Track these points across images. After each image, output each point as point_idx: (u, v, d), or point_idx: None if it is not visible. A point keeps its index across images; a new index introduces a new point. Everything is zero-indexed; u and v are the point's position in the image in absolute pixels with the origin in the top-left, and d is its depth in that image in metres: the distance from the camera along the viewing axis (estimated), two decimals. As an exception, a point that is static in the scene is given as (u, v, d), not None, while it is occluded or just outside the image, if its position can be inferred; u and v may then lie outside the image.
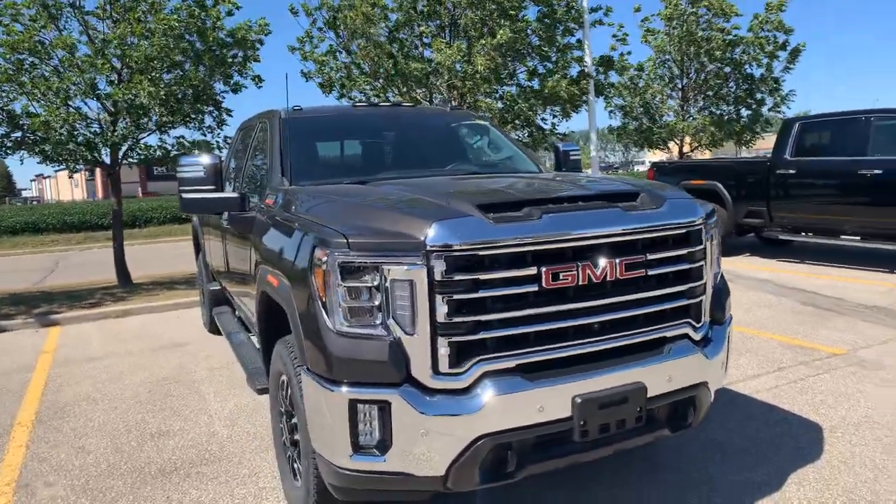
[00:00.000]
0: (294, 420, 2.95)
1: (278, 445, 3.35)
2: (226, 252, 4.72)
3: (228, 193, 3.71)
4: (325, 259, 2.44)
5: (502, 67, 11.05)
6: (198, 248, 6.99)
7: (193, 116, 9.66)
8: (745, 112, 16.79)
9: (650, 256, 2.66)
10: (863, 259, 9.40)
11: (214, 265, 5.52)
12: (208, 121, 9.94)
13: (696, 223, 2.82)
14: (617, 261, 2.56)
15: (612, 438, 2.60)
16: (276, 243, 3.05)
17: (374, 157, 4.17)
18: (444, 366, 2.38)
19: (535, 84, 12.06)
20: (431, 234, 2.34)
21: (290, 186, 3.48)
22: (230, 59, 9.48)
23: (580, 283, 2.50)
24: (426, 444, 2.37)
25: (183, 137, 9.90)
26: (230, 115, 10.02)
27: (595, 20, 12.90)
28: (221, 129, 10.02)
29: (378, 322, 2.41)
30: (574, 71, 12.12)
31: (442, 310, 2.34)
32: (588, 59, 12.38)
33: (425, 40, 11.61)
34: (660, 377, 2.66)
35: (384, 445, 2.41)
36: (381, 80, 11.18)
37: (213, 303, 6.21)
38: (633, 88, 17.03)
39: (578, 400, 2.47)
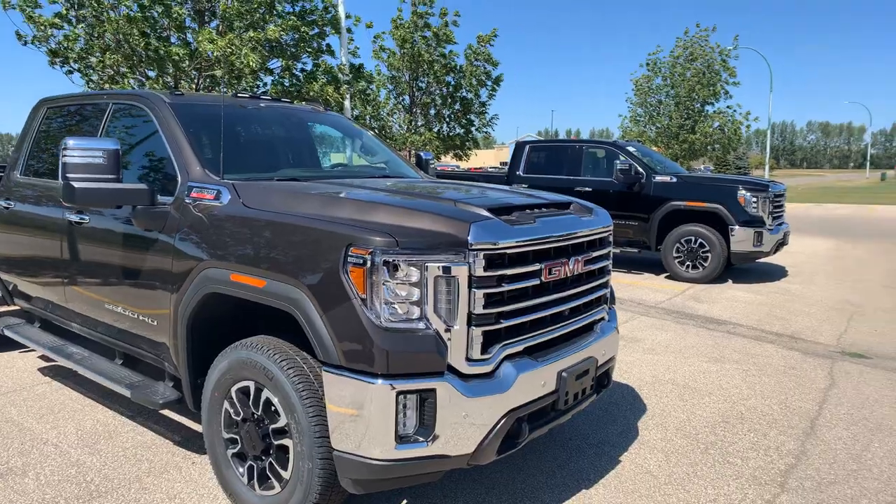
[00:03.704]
0: (276, 425, 2.83)
1: (221, 458, 3.11)
2: (69, 253, 3.98)
3: (135, 185, 3.27)
4: (367, 257, 2.50)
5: (266, 62, 10.82)
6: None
7: None
8: (459, 130, 19.08)
9: (594, 254, 3.29)
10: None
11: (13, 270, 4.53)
12: None
13: (611, 228, 3.55)
14: (580, 257, 3.13)
15: (576, 405, 3.16)
16: (257, 241, 2.87)
17: (277, 154, 3.98)
18: (475, 353, 2.65)
19: (286, 83, 12.04)
20: (473, 233, 2.60)
21: (224, 180, 3.23)
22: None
23: (562, 276, 3.00)
24: (465, 425, 2.62)
25: None
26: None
27: (347, 27, 13.37)
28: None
29: (417, 316, 2.57)
30: (329, 77, 12.40)
31: (478, 302, 2.62)
32: (347, 66, 12.78)
33: (178, 22, 10.67)
34: (600, 351, 3.31)
35: (427, 431, 2.57)
36: (124, 58, 9.93)
37: (-16, 314, 5.03)
38: (365, 99, 17.96)
39: (564, 374, 2.97)
